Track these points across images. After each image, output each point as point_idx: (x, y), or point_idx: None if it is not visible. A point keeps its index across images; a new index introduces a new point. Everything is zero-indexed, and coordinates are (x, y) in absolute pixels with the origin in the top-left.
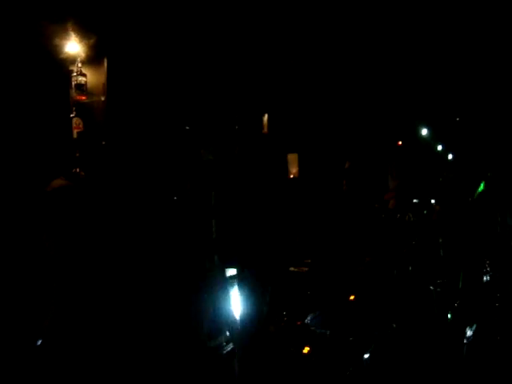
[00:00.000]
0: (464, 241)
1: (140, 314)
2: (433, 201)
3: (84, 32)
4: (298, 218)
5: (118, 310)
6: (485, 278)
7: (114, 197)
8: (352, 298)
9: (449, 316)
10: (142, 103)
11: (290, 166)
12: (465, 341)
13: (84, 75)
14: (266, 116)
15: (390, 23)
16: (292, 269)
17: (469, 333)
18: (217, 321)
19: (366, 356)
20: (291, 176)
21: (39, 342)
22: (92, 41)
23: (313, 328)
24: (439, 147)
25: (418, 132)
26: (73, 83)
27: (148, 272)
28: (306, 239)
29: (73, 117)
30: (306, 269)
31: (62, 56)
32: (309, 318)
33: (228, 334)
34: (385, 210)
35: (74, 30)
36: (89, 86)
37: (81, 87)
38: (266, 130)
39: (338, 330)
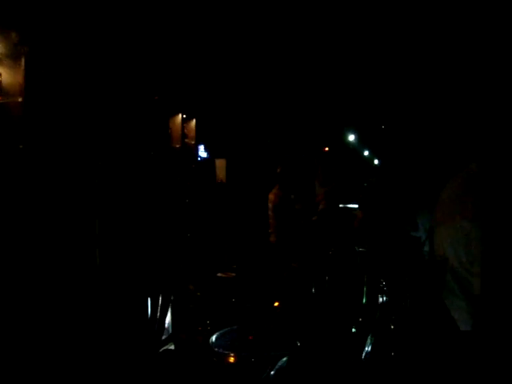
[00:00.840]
0: (376, 252)
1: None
2: (356, 206)
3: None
4: (225, 223)
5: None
6: (381, 299)
7: (32, 202)
8: (276, 304)
9: (353, 330)
10: (64, 105)
11: (218, 172)
12: (363, 355)
13: None
14: (194, 121)
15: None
16: (219, 274)
17: (367, 348)
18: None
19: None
20: (219, 181)
21: None
22: (9, 36)
23: (216, 349)
24: (366, 153)
25: (344, 137)
26: None
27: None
28: (234, 244)
29: None
30: (233, 274)
31: None
32: (216, 335)
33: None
34: (311, 215)
35: None
36: (4, 85)
37: None
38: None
39: (245, 349)
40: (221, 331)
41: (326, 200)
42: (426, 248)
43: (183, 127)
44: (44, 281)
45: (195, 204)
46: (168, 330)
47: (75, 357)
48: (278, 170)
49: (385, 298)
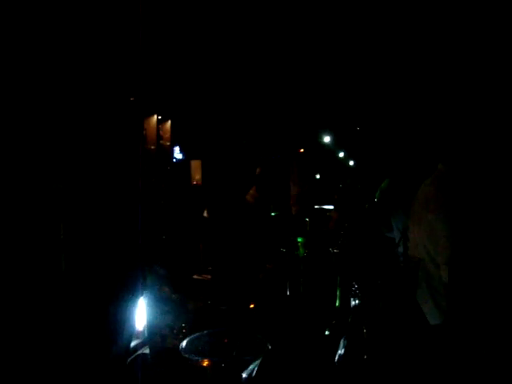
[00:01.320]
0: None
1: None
2: (331, 207)
3: None
4: (201, 225)
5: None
6: (353, 301)
7: None
8: (252, 306)
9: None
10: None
11: (193, 173)
12: (336, 359)
13: None
14: (169, 122)
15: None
16: (195, 277)
17: (339, 351)
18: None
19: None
20: (194, 183)
21: None
22: None
23: (186, 355)
24: (341, 154)
25: (320, 139)
26: None
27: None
28: (210, 246)
29: None
30: (209, 276)
31: None
32: (186, 340)
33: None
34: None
35: None
36: None
37: None
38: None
39: (216, 354)
40: (191, 336)
41: (297, 202)
42: (401, 249)
43: (158, 128)
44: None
45: (170, 206)
46: (143, 334)
47: (36, 368)
48: (258, 171)
49: (357, 301)
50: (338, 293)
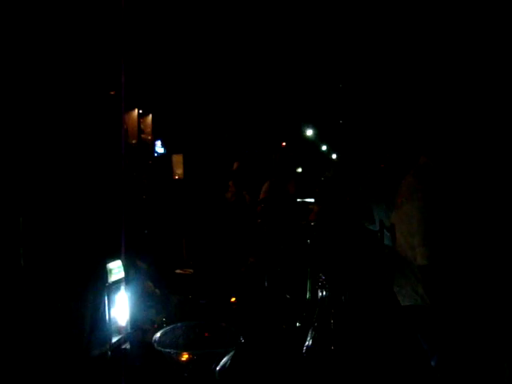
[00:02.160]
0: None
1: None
2: (312, 200)
3: None
4: (183, 219)
5: None
6: (321, 293)
7: None
8: (233, 300)
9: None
10: None
11: (175, 167)
12: (304, 349)
13: None
14: (151, 116)
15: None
16: (178, 271)
17: (307, 343)
18: (101, 327)
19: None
20: (176, 177)
21: None
22: None
23: (159, 348)
24: (324, 147)
25: (303, 132)
26: None
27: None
28: (192, 241)
29: None
30: (191, 271)
31: None
32: (160, 332)
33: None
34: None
35: None
36: None
37: None
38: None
39: (190, 347)
40: (164, 329)
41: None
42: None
43: (139, 122)
44: None
45: (152, 200)
46: (126, 329)
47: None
48: (235, 166)
49: (324, 292)
50: (308, 285)
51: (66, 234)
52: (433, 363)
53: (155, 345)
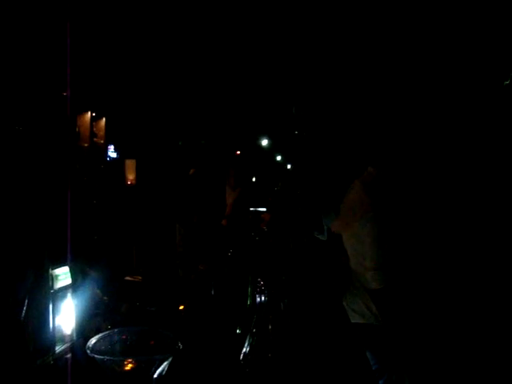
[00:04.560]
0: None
1: None
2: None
3: None
4: (134, 226)
5: None
6: (259, 299)
7: None
8: (181, 307)
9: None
10: None
11: (128, 173)
12: (241, 356)
13: None
14: (104, 120)
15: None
16: (127, 278)
17: (244, 349)
18: (45, 335)
19: None
20: (128, 183)
21: None
22: None
23: (93, 354)
24: (278, 157)
25: (258, 142)
26: None
27: None
28: (143, 247)
29: None
30: (141, 278)
31: None
32: (96, 338)
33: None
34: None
35: None
36: None
37: None
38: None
39: (126, 353)
40: (99, 335)
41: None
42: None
43: (92, 126)
44: None
45: (103, 206)
46: (71, 338)
47: None
48: (191, 173)
49: (263, 298)
50: (249, 291)
51: (5, 238)
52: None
53: (89, 351)
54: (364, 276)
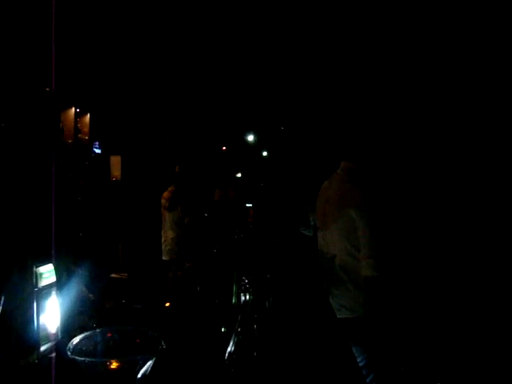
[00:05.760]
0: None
1: None
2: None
3: None
4: (119, 222)
5: None
6: (244, 297)
7: None
8: (167, 304)
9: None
10: None
11: (113, 169)
12: (226, 355)
13: None
14: (88, 116)
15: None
16: (113, 275)
17: (229, 348)
18: (29, 335)
19: None
20: (113, 179)
21: None
22: None
23: (73, 356)
24: (265, 153)
25: (244, 138)
26: None
27: None
28: (129, 244)
29: None
30: (126, 275)
31: None
32: (77, 339)
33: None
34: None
35: None
36: None
37: None
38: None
39: (109, 354)
40: (81, 336)
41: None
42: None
43: (76, 122)
44: None
45: (88, 202)
46: (56, 336)
47: None
48: (177, 170)
49: (248, 297)
50: (234, 288)
51: None
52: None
53: (69, 353)
54: (356, 266)
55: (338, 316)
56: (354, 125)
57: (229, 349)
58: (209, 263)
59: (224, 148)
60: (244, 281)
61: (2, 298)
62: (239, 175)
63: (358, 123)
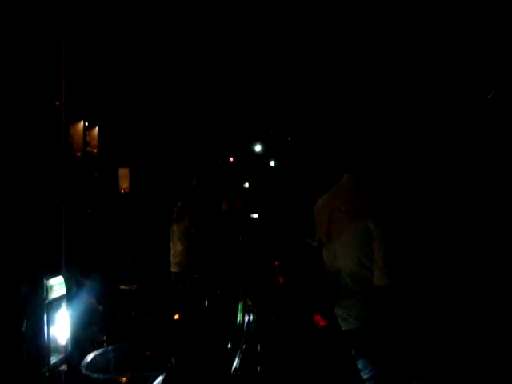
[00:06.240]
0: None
1: None
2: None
3: None
4: (128, 234)
5: None
6: (248, 316)
7: None
8: (176, 317)
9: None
10: None
11: (121, 181)
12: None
13: None
14: (97, 129)
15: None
16: (122, 286)
17: (234, 365)
18: (39, 347)
19: None
20: (122, 191)
21: None
22: None
23: (87, 373)
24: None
25: (251, 148)
26: None
27: None
28: (138, 255)
29: None
30: (136, 286)
31: None
32: (91, 356)
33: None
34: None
35: None
36: None
37: None
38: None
39: (119, 371)
40: (94, 353)
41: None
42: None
43: (85, 135)
44: None
45: (98, 214)
46: (66, 349)
47: None
48: (194, 182)
49: (252, 316)
50: (240, 306)
51: None
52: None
53: (83, 369)
54: (368, 276)
55: (346, 327)
56: (357, 136)
57: (234, 365)
58: (216, 276)
59: (231, 159)
60: (248, 301)
61: (21, 313)
62: (247, 185)
63: (361, 135)
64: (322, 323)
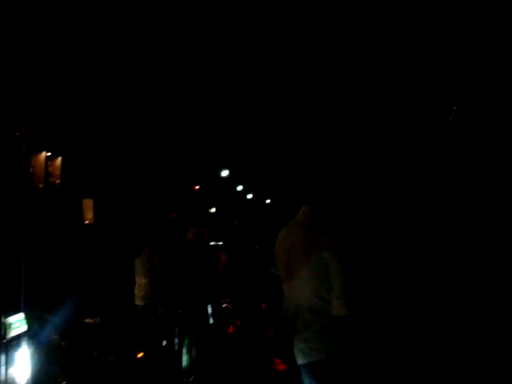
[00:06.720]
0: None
1: None
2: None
3: None
4: (93, 266)
5: None
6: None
7: None
8: (140, 355)
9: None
10: None
11: (86, 212)
12: None
13: None
14: (60, 159)
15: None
16: (86, 320)
17: None
18: None
19: None
20: (86, 222)
21: None
22: None
23: None
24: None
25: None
26: None
27: None
28: (102, 288)
29: None
30: (99, 319)
31: None
32: None
33: None
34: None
35: None
36: None
37: None
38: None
39: None
40: None
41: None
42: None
43: (47, 165)
44: None
45: (61, 246)
46: None
47: None
48: (173, 216)
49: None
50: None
51: None
52: None
53: None
54: (325, 308)
55: (308, 360)
56: (312, 169)
57: None
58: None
59: (197, 187)
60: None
61: None
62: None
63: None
64: (282, 367)
